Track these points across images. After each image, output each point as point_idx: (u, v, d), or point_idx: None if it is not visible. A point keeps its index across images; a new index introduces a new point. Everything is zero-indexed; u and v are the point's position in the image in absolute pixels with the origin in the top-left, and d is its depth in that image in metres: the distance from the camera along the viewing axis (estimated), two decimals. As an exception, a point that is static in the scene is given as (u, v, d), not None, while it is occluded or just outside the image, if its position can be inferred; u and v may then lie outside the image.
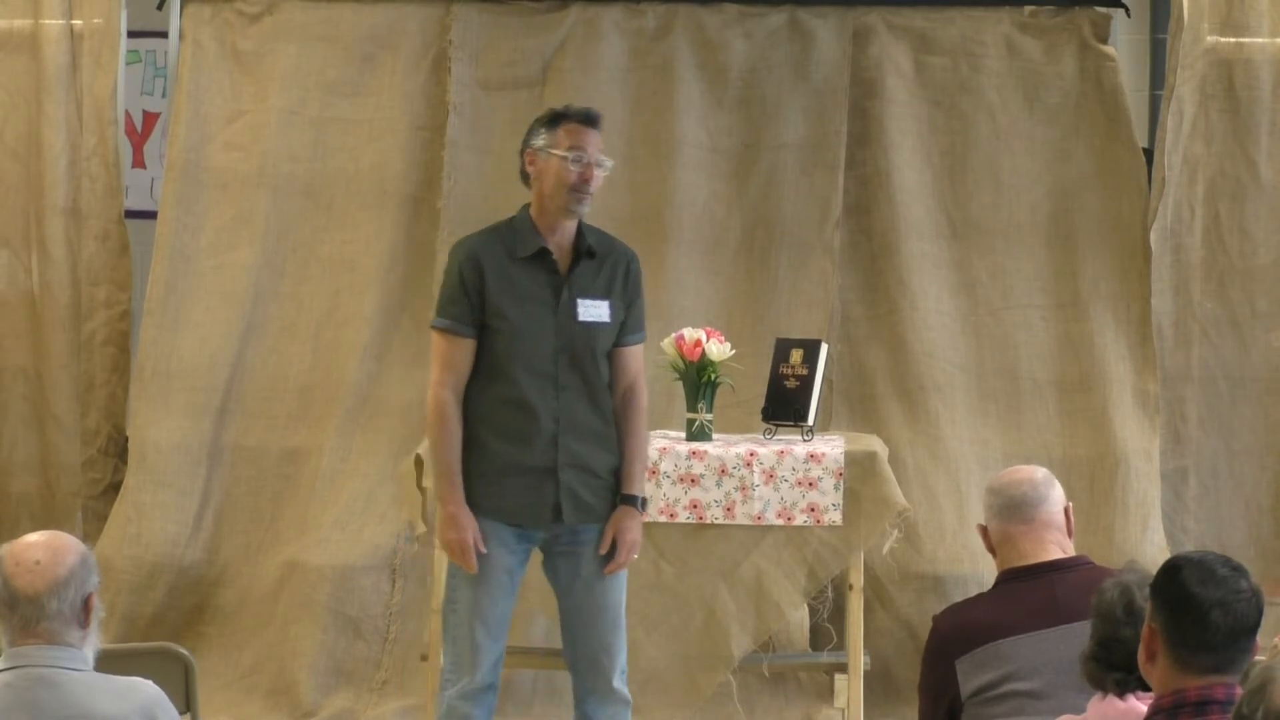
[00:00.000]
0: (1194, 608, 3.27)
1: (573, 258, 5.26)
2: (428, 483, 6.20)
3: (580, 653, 5.32)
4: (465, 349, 5.22)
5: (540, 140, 5.24)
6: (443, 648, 5.38)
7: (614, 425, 5.30)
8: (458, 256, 5.28)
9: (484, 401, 5.24)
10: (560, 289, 5.22)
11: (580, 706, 5.35)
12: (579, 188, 5.19)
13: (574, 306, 5.21)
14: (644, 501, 5.36)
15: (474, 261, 5.23)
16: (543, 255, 5.23)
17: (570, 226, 5.26)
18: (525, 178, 5.29)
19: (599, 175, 5.23)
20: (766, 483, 6.14)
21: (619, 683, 5.32)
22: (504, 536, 5.24)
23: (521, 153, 5.29)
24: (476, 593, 5.23)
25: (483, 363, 5.24)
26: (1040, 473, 4.60)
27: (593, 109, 5.35)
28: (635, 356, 5.36)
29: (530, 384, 5.19)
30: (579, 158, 5.19)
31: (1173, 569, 3.33)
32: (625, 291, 5.29)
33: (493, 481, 5.22)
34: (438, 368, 5.26)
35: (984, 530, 4.60)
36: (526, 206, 5.30)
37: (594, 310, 5.23)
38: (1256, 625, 3.31)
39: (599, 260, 5.27)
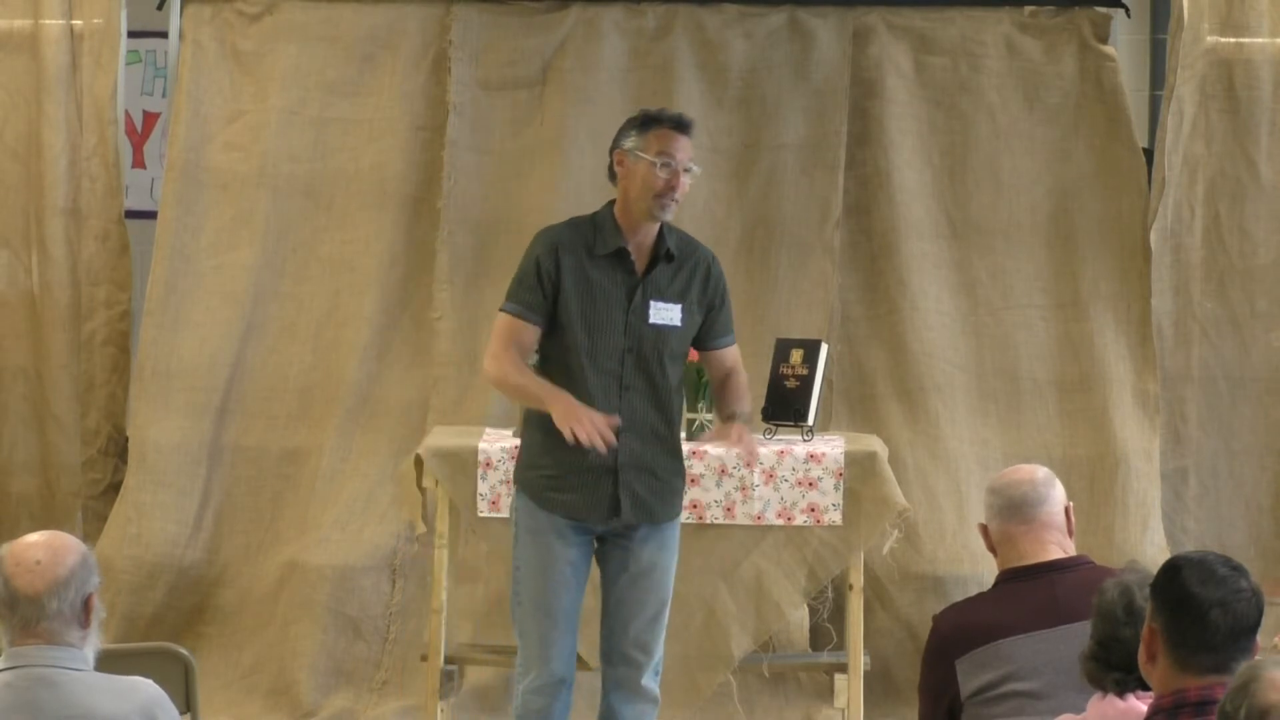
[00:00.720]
0: (1194, 607, 3.27)
1: (651, 259, 5.27)
2: (427, 483, 6.21)
3: (615, 645, 5.35)
4: (529, 333, 5.23)
5: (630, 142, 5.26)
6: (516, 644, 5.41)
7: (676, 429, 5.34)
8: (538, 246, 5.28)
9: None
10: (635, 290, 5.24)
11: (607, 698, 5.38)
12: (664, 194, 5.20)
13: (646, 308, 5.23)
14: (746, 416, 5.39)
15: (553, 253, 5.24)
16: (621, 255, 5.25)
17: (652, 228, 5.28)
18: (613, 176, 5.31)
19: (686, 181, 5.24)
20: (766, 483, 6.15)
21: (649, 681, 5.35)
22: (563, 530, 5.28)
23: (611, 151, 5.31)
24: (540, 586, 5.28)
25: (551, 358, 5.28)
26: (1041, 472, 4.59)
27: (685, 115, 5.37)
28: (729, 355, 5.40)
29: (595, 382, 5.21)
30: (667, 163, 5.20)
31: (1172, 569, 3.33)
32: (705, 295, 5.31)
33: (554, 477, 5.25)
34: (498, 342, 5.25)
35: (984, 530, 4.59)
36: (611, 204, 5.31)
37: (666, 313, 5.25)
38: (1256, 625, 3.31)
39: (677, 263, 5.29)
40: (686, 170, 5.23)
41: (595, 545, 5.36)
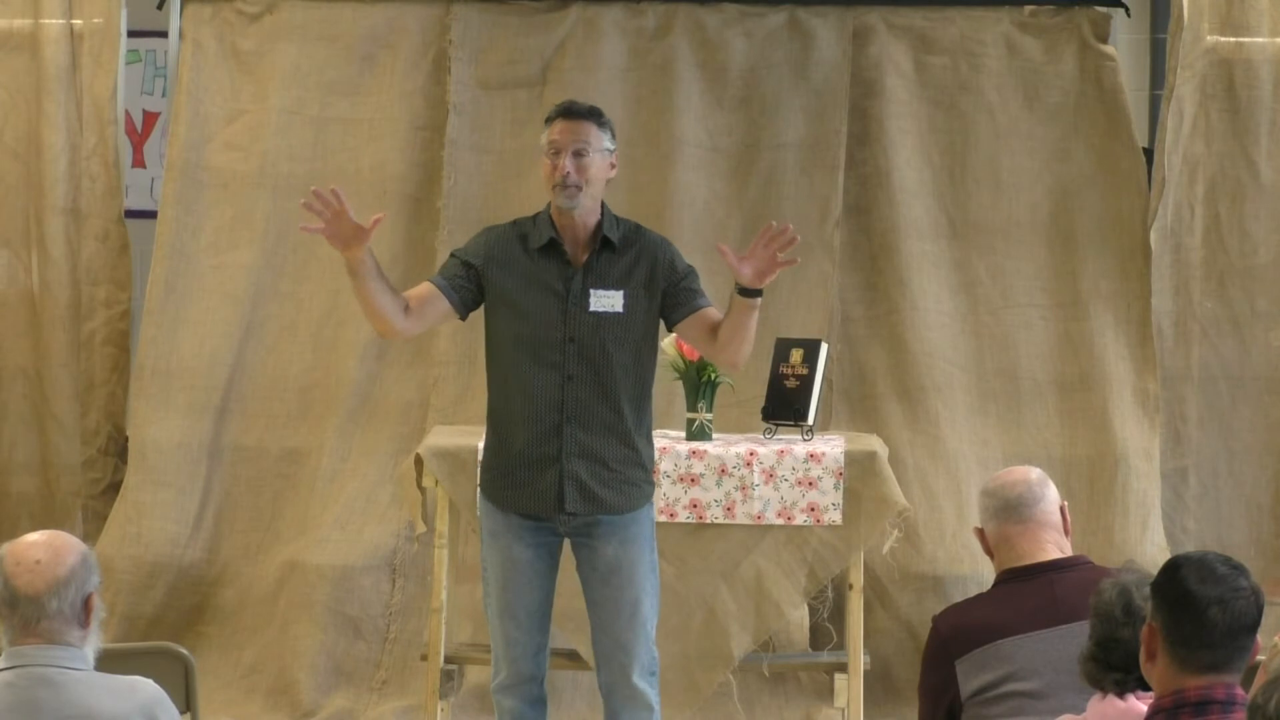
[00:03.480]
0: (1192, 605, 3.28)
1: (592, 249, 5.27)
2: (427, 482, 6.21)
3: (599, 648, 5.35)
4: (436, 296, 5.26)
5: (541, 140, 5.30)
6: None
7: (628, 419, 5.25)
8: (478, 239, 5.34)
9: (493, 390, 5.31)
10: (572, 279, 5.23)
11: (608, 702, 5.38)
12: (557, 181, 5.21)
13: (585, 297, 5.22)
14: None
15: (487, 248, 5.29)
16: (554, 246, 5.25)
17: (588, 219, 5.26)
18: None
19: (581, 164, 5.20)
20: (766, 482, 6.14)
21: (640, 681, 5.31)
22: (520, 531, 5.27)
23: None
24: (501, 588, 5.29)
25: (495, 353, 5.30)
26: (1035, 473, 4.60)
27: (578, 102, 5.35)
28: (711, 314, 5.28)
29: (535, 373, 5.21)
30: (553, 150, 5.22)
31: (1172, 567, 3.34)
32: (654, 278, 5.25)
33: (503, 473, 5.27)
34: None
35: (981, 533, 4.59)
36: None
37: (606, 300, 5.23)
38: (1255, 623, 3.31)
39: (619, 252, 5.27)
40: (578, 153, 5.20)
41: (566, 546, 5.34)
